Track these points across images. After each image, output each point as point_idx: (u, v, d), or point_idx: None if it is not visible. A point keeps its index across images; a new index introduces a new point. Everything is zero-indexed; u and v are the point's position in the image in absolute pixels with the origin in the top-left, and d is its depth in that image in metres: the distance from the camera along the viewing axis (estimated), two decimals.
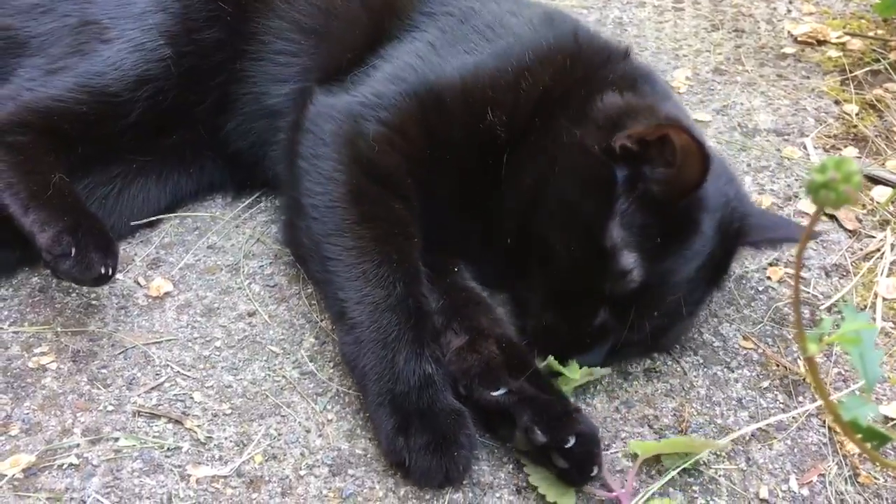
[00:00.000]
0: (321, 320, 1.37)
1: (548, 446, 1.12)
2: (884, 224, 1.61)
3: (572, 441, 1.12)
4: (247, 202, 1.60)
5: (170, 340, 1.33)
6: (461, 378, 1.22)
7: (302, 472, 1.17)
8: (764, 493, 1.17)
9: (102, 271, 1.23)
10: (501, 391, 1.18)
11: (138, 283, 1.42)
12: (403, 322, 1.19)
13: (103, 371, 1.28)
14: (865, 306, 1.43)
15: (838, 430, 1.23)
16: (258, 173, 1.57)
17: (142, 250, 1.49)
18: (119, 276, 1.41)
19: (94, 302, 1.38)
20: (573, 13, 2.22)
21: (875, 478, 1.19)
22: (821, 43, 2.17)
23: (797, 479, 1.19)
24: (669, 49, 2.14)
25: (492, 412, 1.20)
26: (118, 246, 1.31)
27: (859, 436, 0.88)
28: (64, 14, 1.45)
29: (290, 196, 1.39)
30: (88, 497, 1.12)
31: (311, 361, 1.32)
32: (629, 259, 1.19)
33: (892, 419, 1.26)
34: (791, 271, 1.50)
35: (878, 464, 1.19)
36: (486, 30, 1.42)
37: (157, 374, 1.28)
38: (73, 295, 1.39)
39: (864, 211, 1.64)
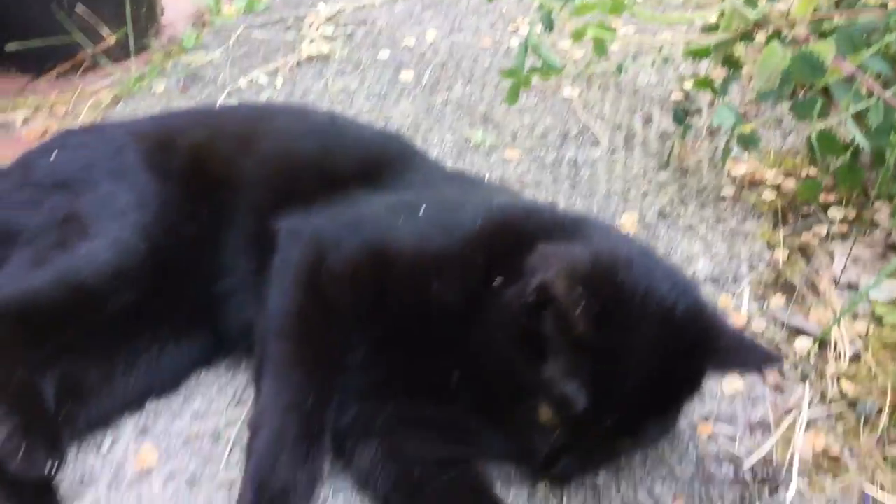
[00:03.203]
0: None
1: None
2: (804, 377, 1.77)
3: None
4: (227, 360, 1.76)
5: None
6: None
7: None
8: None
9: (46, 472, 1.37)
10: None
11: (127, 453, 1.56)
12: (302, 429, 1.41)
13: None
14: (785, 462, 1.59)
15: None
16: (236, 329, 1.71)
17: (130, 418, 1.64)
18: (111, 444, 1.58)
19: (88, 473, 1.53)
20: (530, 156, 2.43)
21: None
22: (757, 183, 2.36)
23: None
24: (618, 191, 2.33)
25: None
26: (66, 445, 1.46)
27: None
28: (52, 207, 1.61)
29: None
30: None
31: None
32: (570, 388, 1.35)
33: None
34: (721, 429, 1.67)
35: None
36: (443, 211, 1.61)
37: None
38: (72, 466, 1.53)
39: (788, 365, 1.81)
